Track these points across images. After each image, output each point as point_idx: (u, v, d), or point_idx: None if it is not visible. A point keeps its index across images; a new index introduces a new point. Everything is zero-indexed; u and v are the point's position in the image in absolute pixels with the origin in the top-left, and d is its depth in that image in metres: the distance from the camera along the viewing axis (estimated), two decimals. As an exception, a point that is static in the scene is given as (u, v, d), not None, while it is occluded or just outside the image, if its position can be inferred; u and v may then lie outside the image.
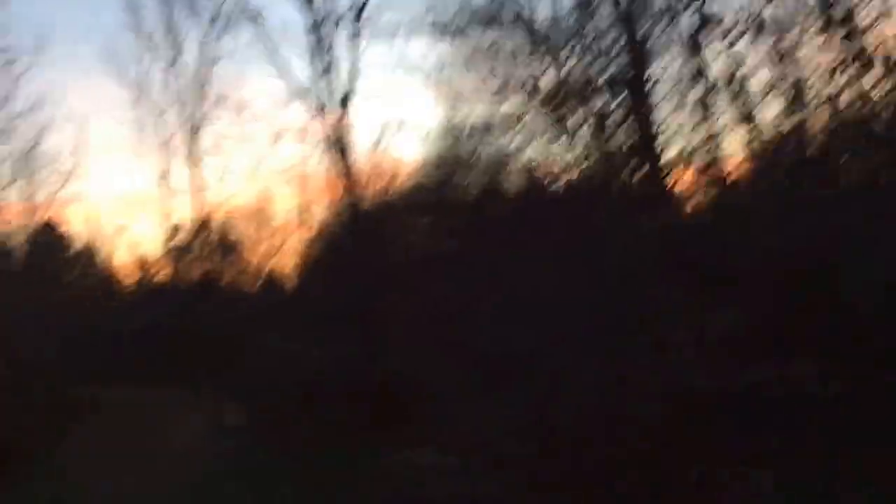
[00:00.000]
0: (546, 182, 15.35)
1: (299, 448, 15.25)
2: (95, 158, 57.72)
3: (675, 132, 12.58)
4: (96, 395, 24.57)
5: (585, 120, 13.85)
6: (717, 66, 12.04)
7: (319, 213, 30.62)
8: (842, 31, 10.08)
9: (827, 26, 10.12)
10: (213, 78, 35.92)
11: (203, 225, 36.61)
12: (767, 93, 11.15)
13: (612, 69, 13.64)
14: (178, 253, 37.95)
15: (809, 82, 10.89)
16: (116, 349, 29.29)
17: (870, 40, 10.02)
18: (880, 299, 7.64)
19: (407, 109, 43.03)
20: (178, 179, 36.89)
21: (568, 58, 14.55)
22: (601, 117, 13.56)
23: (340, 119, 28.10)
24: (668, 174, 12.75)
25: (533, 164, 15.33)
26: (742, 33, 11.36)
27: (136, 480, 13.98)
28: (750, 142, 11.53)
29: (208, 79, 35.93)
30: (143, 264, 40.03)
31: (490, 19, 15.75)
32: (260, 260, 36.09)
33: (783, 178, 10.32)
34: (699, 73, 12.19)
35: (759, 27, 10.99)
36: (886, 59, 9.81)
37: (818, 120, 10.70)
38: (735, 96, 11.51)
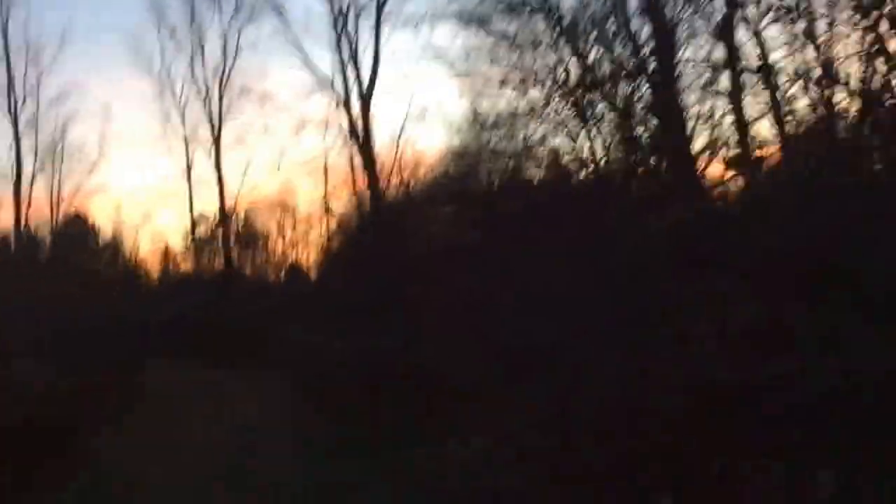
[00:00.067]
0: (570, 172, 15.20)
1: (321, 440, 15.24)
2: (120, 150, 58.43)
3: (703, 121, 12.38)
4: (134, 381, 24.71)
5: (610, 109, 13.68)
6: (746, 53, 11.84)
7: (342, 203, 30.72)
8: (874, 16, 9.83)
9: (858, 11, 9.87)
10: (236, 70, 36.23)
11: (226, 216, 36.84)
12: (797, 80, 10.92)
13: (638, 57, 13.46)
14: (201, 244, 38.19)
15: (840, 68, 10.69)
16: (143, 339, 29.42)
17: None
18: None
19: (430, 100, 43.01)
20: (201, 171, 37.27)
21: (593, 46, 14.37)
22: (627, 107, 13.37)
23: (363, 110, 28.14)
24: (695, 164, 12.55)
25: (557, 154, 15.18)
26: (772, 19, 11.14)
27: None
28: (779, 130, 11.32)
29: (231, 71, 36.22)
30: (167, 255, 40.34)
31: (514, 8, 15.60)
32: (283, 251, 36.30)
33: (813, 168, 10.10)
34: (728, 61, 11.97)
35: (789, 12, 10.75)
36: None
37: (849, 107, 10.48)
38: (764, 84, 11.29)
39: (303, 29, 36.80)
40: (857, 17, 10.11)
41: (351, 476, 12.48)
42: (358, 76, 28.13)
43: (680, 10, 12.99)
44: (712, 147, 12.20)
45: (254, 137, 41.31)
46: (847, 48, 10.50)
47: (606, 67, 13.96)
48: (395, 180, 25.07)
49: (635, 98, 13.36)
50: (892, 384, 6.97)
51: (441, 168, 20.70)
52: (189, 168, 37.18)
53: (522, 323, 10.87)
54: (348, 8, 28.54)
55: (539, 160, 15.69)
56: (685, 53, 12.90)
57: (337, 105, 28.52)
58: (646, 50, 13.46)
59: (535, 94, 15.03)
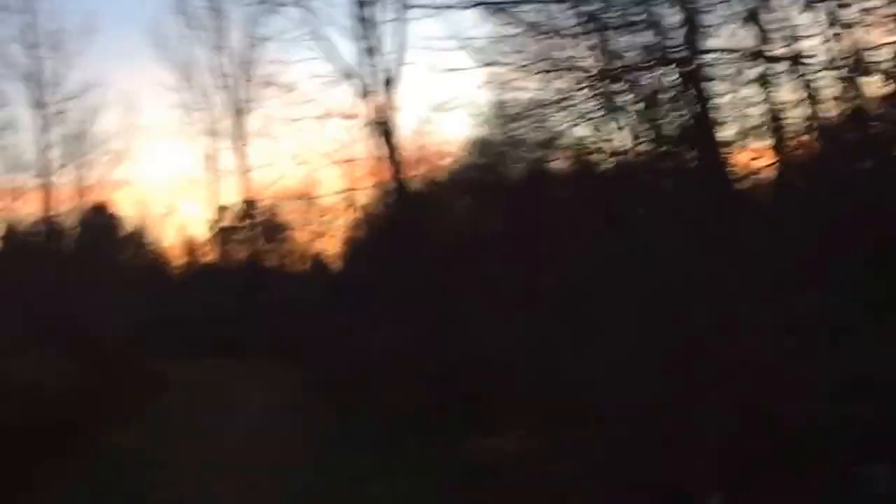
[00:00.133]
0: (595, 163, 15.09)
1: (363, 435, 15.11)
2: (144, 141, 58.55)
3: (733, 110, 12.22)
4: (165, 371, 24.85)
5: (638, 99, 13.53)
6: (776, 40, 11.67)
7: (365, 194, 30.67)
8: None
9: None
10: (259, 60, 36.21)
11: (250, 207, 36.94)
12: (829, 67, 10.78)
13: (665, 45, 13.29)
14: (225, 235, 38.32)
15: (872, 56, 10.54)
16: (168, 330, 29.61)
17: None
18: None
19: (454, 89, 42.71)
20: (225, 162, 37.34)
21: (619, 34, 14.21)
22: (654, 96, 13.22)
23: (387, 99, 28.07)
24: (724, 154, 12.40)
25: (582, 144, 15.05)
26: (803, 5, 10.99)
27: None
28: (811, 119, 11.17)
29: (254, 61, 36.20)
30: (191, 247, 40.48)
31: (540, -6, 15.42)
32: (307, 242, 36.31)
33: (846, 156, 9.98)
34: (758, 48, 11.81)
35: (821, -1, 10.62)
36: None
37: (882, 95, 10.34)
38: (796, 71, 11.14)
39: (326, 18, 36.61)
40: (889, 2, 9.98)
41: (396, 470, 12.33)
42: (381, 66, 28.00)
43: (709, -3, 12.80)
44: (742, 136, 12.04)
45: (277, 128, 41.26)
46: (879, 35, 10.37)
47: (633, 56, 13.80)
48: (419, 171, 24.94)
49: (662, 87, 13.21)
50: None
51: (466, 158, 20.60)
52: (212, 159, 37.29)
53: (561, 314, 10.82)
54: (372, -4, 28.39)
55: (564, 150, 15.57)
56: (714, 41, 12.70)
57: (361, 95, 28.40)
58: (674, 38, 13.28)
59: (561, 83, 14.89)
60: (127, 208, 37.78)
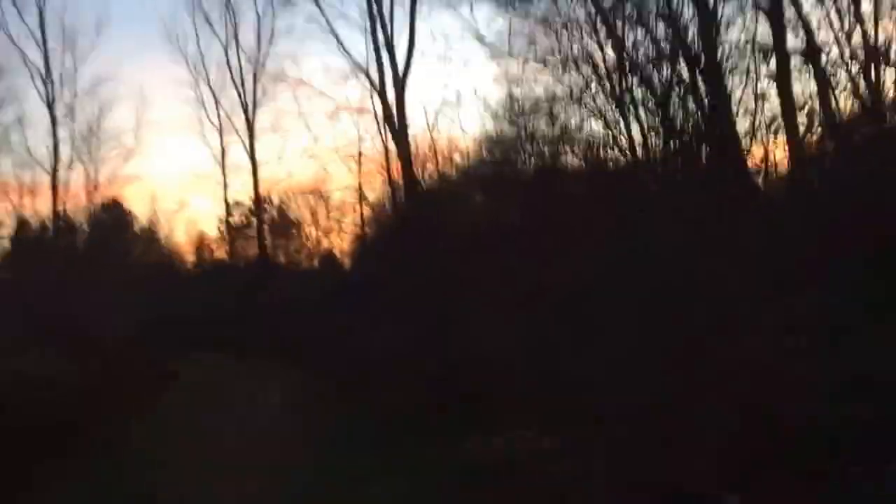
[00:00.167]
0: (608, 158, 14.86)
1: (364, 435, 14.93)
2: (155, 137, 58.86)
3: (748, 105, 11.98)
4: (175, 367, 24.80)
5: (651, 94, 13.31)
6: (792, 35, 11.46)
7: (376, 190, 30.54)
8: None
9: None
10: (270, 56, 36.19)
11: (260, 203, 36.92)
12: (845, 62, 10.56)
13: (680, 40, 13.04)
14: (236, 231, 38.30)
15: (888, 51, 10.36)
16: (179, 326, 29.57)
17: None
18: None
19: (466, 85, 42.40)
20: (236, 157, 37.34)
21: (633, 29, 13.99)
22: (668, 90, 12.99)
23: (398, 96, 27.90)
24: (739, 149, 12.14)
25: (594, 139, 14.83)
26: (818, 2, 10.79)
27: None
28: (826, 113, 10.93)
29: (266, 56, 36.19)
30: (202, 242, 40.50)
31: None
32: (316, 238, 36.25)
33: (861, 151, 9.74)
34: (774, 43, 11.58)
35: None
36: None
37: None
38: (811, 66, 10.92)
39: (337, 14, 36.45)
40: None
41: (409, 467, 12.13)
42: (393, 62, 27.84)
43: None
44: (756, 131, 11.80)
45: (288, 124, 41.19)
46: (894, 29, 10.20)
47: (646, 50, 13.59)
48: (430, 166, 24.75)
49: (676, 82, 12.98)
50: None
51: (478, 153, 20.39)
52: (223, 155, 37.29)
53: (569, 310, 10.62)
54: (384, -7, 28.22)
55: (576, 146, 15.35)
56: (729, 35, 12.46)
57: (372, 91, 28.27)
58: (688, 32, 13.03)
59: (573, 78, 14.70)
60: (138, 204, 37.86)
